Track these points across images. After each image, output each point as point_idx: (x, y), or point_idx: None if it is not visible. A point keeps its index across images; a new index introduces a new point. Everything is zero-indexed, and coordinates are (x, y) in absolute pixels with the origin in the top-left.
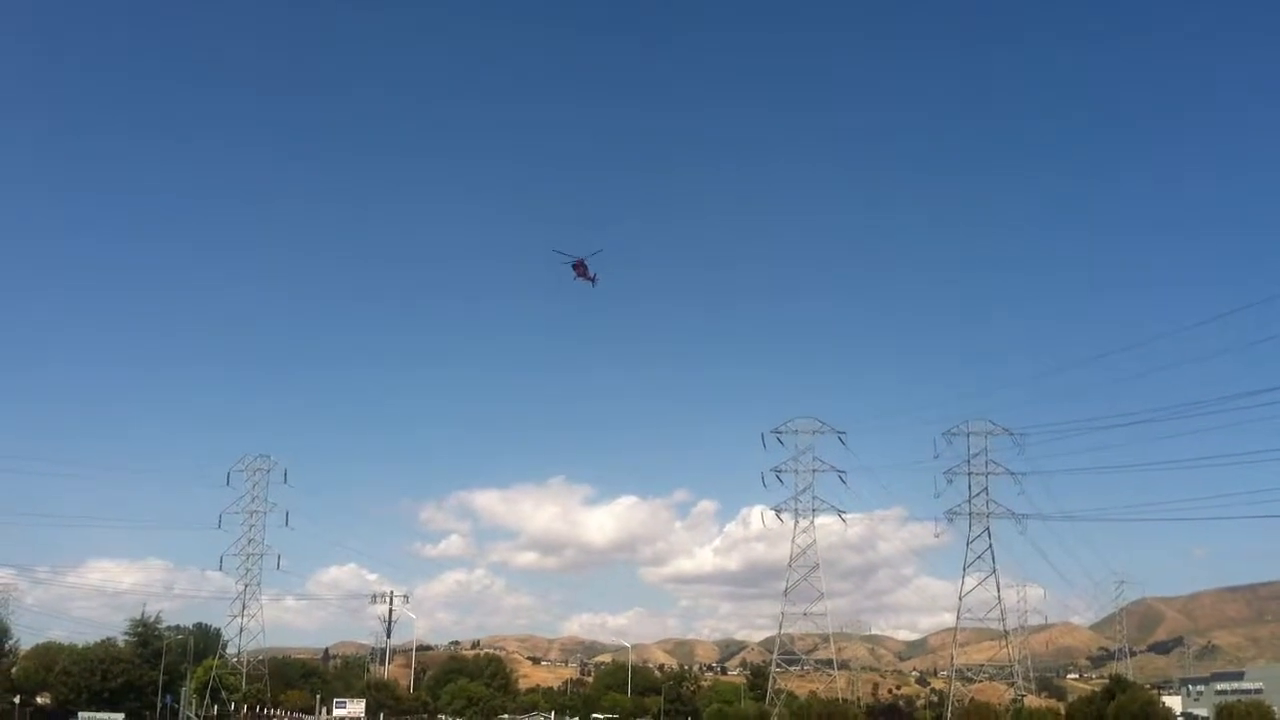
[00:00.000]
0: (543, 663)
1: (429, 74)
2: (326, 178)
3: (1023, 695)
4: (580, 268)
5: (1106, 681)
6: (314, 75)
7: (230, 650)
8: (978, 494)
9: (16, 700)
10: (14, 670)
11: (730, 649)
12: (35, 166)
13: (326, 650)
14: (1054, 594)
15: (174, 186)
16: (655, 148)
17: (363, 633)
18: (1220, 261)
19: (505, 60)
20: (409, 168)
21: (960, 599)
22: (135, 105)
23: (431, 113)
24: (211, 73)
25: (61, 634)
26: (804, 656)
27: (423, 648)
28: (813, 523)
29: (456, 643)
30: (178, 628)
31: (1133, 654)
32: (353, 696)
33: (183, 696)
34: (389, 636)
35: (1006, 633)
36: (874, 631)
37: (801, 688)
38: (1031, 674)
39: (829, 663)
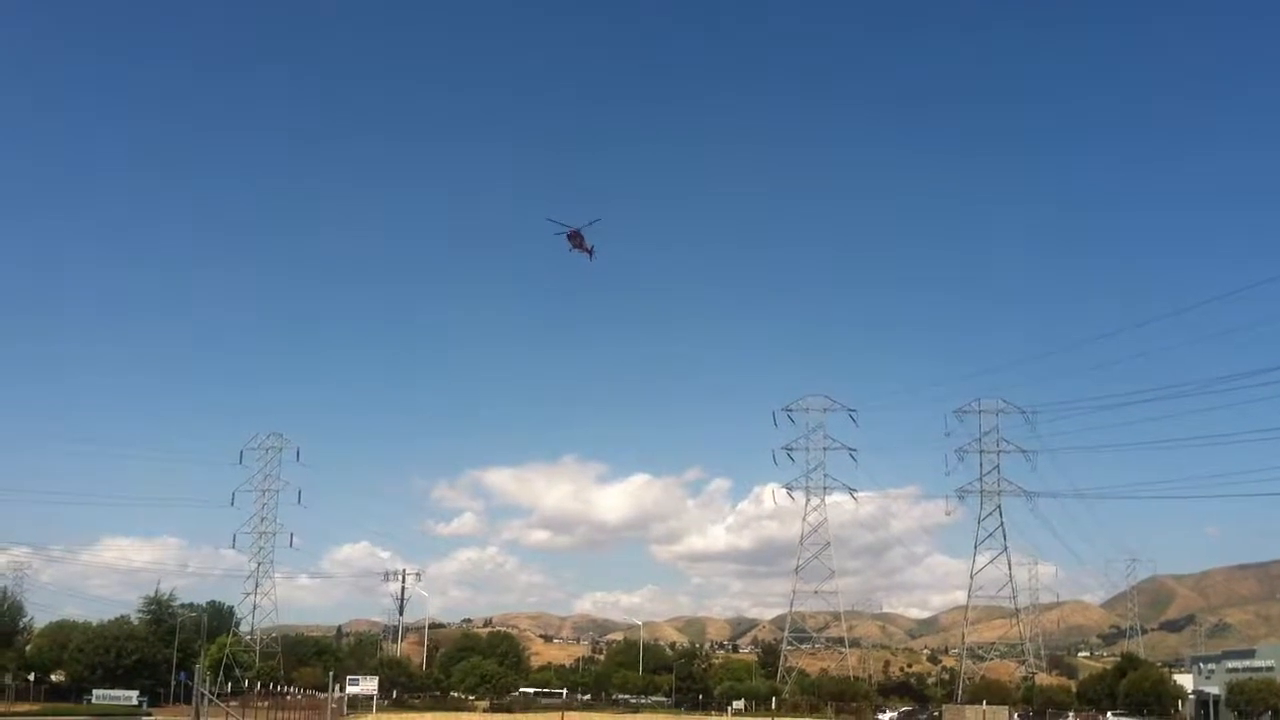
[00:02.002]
0: (555, 640)
1: (428, 56)
2: (333, 160)
3: (1033, 673)
4: (576, 238)
5: (1118, 659)
6: (314, 61)
7: (244, 628)
8: (989, 472)
9: (31, 678)
10: (28, 648)
11: (742, 627)
12: (43, 151)
13: (339, 628)
14: (1065, 572)
15: (181, 170)
16: (664, 124)
17: (375, 610)
18: (1235, 237)
19: (504, 40)
20: (413, 149)
21: (972, 577)
22: (135, 90)
23: (432, 93)
24: (211, 56)
25: (76, 612)
26: (815, 634)
27: (435, 625)
28: (824, 500)
29: (469, 620)
30: (191, 605)
31: (1144, 632)
32: (365, 674)
33: (196, 674)
34: (401, 614)
35: (1018, 610)
36: (885, 609)
37: (813, 665)
38: (1042, 652)
39: (840, 641)
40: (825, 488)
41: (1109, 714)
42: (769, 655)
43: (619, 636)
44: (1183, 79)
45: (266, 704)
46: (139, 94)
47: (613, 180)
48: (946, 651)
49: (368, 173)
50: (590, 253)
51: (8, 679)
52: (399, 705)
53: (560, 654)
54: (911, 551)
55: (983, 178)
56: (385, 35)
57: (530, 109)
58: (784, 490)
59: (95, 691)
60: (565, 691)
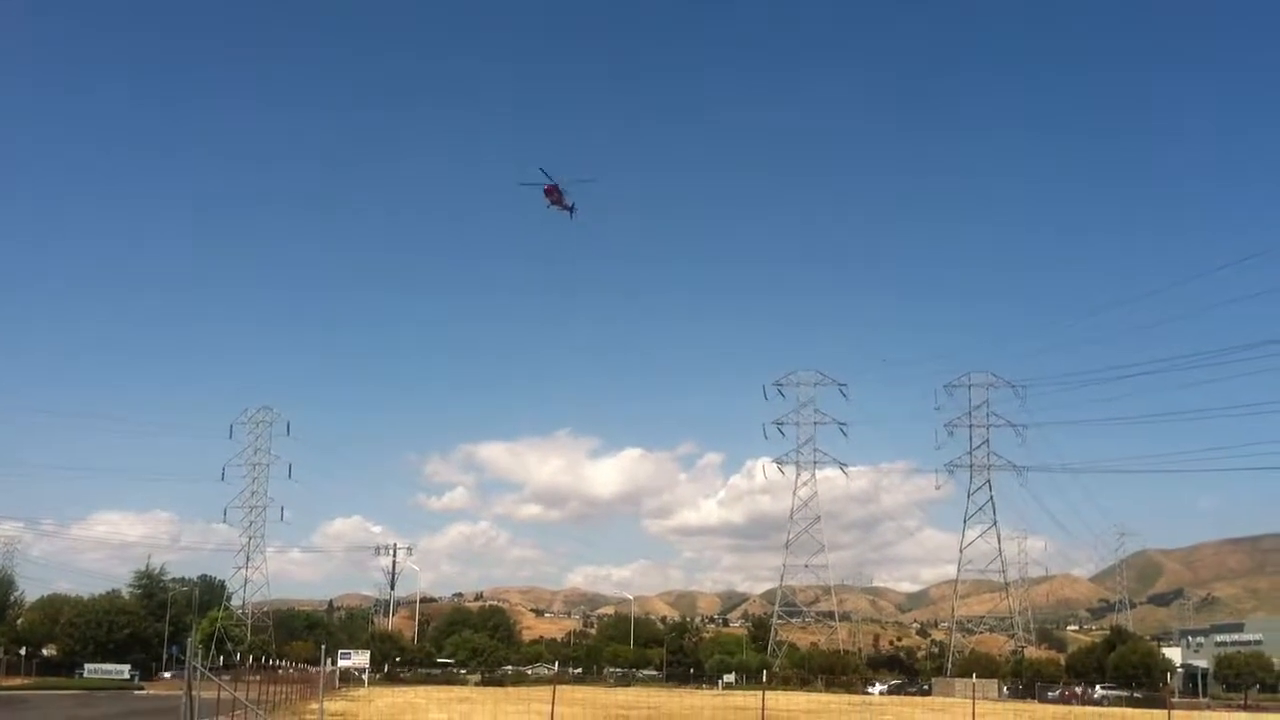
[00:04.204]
0: (546, 615)
1: (419, 21)
2: (322, 130)
3: (1023, 646)
4: (553, 193)
5: (1106, 633)
6: (303, 31)
7: (235, 602)
8: (979, 446)
9: (23, 652)
10: (20, 622)
11: (732, 601)
12: (37, 124)
13: (331, 602)
14: (1055, 546)
15: (172, 144)
16: (658, 94)
17: (367, 584)
18: (1224, 213)
19: (497, 4)
20: (403, 117)
21: (961, 551)
22: (131, 63)
23: (423, 59)
24: (204, 30)
25: (67, 586)
26: (805, 608)
27: (426, 599)
28: (814, 475)
29: (460, 594)
30: (183, 579)
31: (1133, 606)
32: (357, 648)
33: (188, 647)
34: (393, 588)
35: (1007, 584)
36: (875, 583)
37: (803, 639)
38: (1031, 625)
39: (830, 614)
40: (816, 462)
41: (1097, 687)
42: (759, 629)
43: (610, 610)
44: (1182, 52)
45: (258, 677)
46: (134, 67)
47: (605, 150)
48: (936, 625)
49: (357, 143)
50: (571, 210)
51: None
52: (390, 679)
53: (551, 628)
54: (902, 526)
55: (974, 151)
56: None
57: (524, 76)
58: (775, 465)
59: (87, 665)
60: (555, 665)
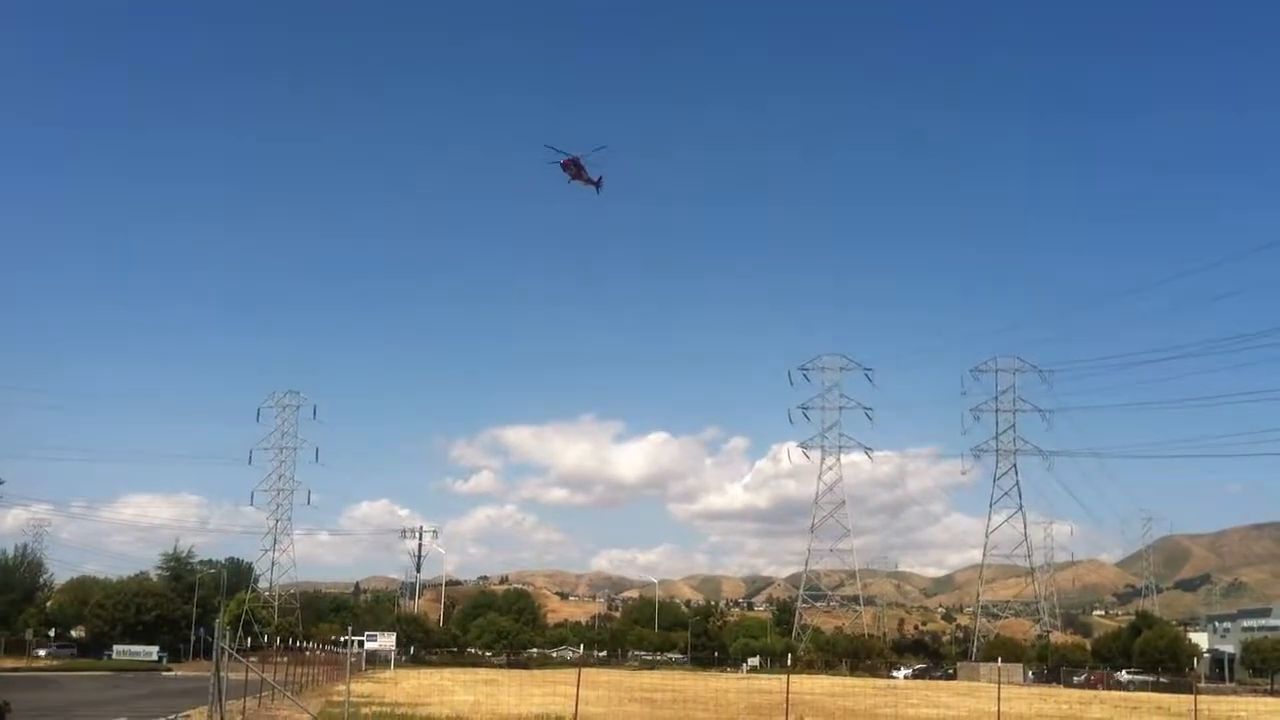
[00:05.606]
0: (570, 598)
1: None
2: (346, 113)
3: (1048, 631)
4: (572, 167)
5: (1132, 618)
6: (322, 11)
7: (262, 584)
8: (1005, 431)
9: (52, 634)
10: (49, 604)
11: (757, 585)
12: (46, 109)
13: (357, 584)
14: (1081, 531)
15: (194, 125)
16: (682, 76)
17: (393, 567)
18: (1253, 197)
19: None
20: (426, 101)
21: (987, 536)
22: (144, 38)
23: (439, 41)
24: (218, 6)
25: (96, 568)
26: (830, 593)
27: (452, 583)
28: (839, 460)
29: (485, 578)
30: (211, 562)
31: (1159, 591)
32: (383, 630)
33: (216, 629)
34: (419, 571)
35: (1033, 569)
36: (901, 568)
37: (827, 623)
38: (1057, 610)
39: (855, 599)
40: (841, 447)
41: (1123, 672)
42: (784, 613)
43: (635, 594)
44: (1210, 35)
45: (285, 659)
46: (147, 42)
47: (630, 132)
48: (961, 610)
49: (381, 125)
50: (597, 185)
51: (29, 635)
52: (416, 661)
53: (576, 611)
54: (927, 510)
55: (1002, 133)
56: None
57: (546, 56)
58: (800, 449)
59: (115, 647)
60: (580, 648)
